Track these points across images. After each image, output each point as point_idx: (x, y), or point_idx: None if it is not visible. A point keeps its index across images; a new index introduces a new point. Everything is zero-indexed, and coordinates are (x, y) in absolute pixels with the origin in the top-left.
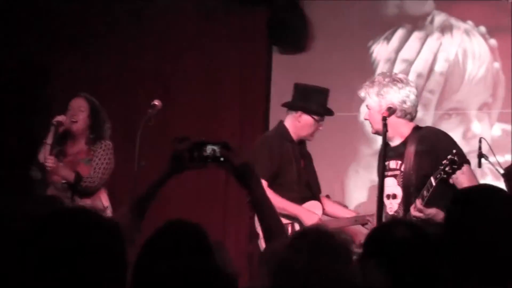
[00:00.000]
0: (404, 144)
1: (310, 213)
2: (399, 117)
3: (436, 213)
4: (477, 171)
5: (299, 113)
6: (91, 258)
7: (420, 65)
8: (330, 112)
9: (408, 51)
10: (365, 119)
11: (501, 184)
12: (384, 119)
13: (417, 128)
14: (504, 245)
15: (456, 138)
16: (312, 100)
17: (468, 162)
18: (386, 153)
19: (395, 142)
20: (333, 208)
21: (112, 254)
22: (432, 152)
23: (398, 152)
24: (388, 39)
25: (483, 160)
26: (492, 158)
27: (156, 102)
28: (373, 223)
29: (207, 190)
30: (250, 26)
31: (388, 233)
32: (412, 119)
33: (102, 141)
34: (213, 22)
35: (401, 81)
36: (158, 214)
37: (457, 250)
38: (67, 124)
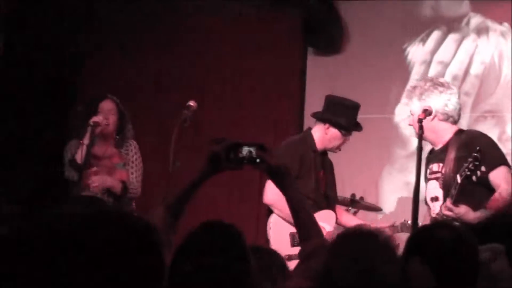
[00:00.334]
0: (446, 147)
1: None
2: (441, 120)
3: (465, 212)
4: None
5: (327, 125)
6: (131, 260)
7: (455, 67)
8: (358, 128)
9: (443, 53)
10: (409, 125)
11: None
12: (420, 121)
13: (459, 132)
14: None
15: None
16: (341, 114)
17: (506, 164)
18: (432, 156)
19: (438, 145)
20: (347, 219)
21: (149, 256)
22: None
23: (440, 155)
24: (424, 41)
25: None
26: None
27: (192, 103)
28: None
29: (241, 190)
30: (284, 28)
31: (429, 234)
32: (454, 122)
33: (128, 142)
34: (247, 24)
35: (442, 85)
36: (192, 214)
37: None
38: (103, 125)
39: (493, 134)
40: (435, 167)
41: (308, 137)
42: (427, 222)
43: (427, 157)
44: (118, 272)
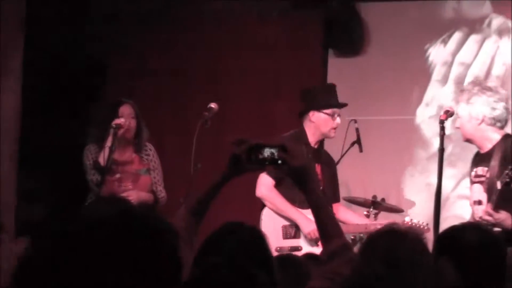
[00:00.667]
0: (492, 151)
1: (307, 220)
2: (489, 124)
3: (506, 218)
4: None
5: (310, 113)
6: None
7: (477, 69)
8: (337, 104)
9: (465, 54)
10: (457, 128)
11: None
12: (442, 122)
13: (506, 136)
14: None
15: None
16: (318, 98)
17: None
18: (478, 159)
19: (484, 149)
20: (345, 215)
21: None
22: None
23: (486, 159)
24: (445, 42)
25: None
26: None
27: (213, 105)
28: None
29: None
30: (305, 29)
31: (458, 235)
32: (502, 126)
33: (146, 146)
34: (268, 25)
35: (490, 89)
36: (213, 215)
37: None
38: (125, 126)
39: None
40: (479, 170)
41: (300, 133)
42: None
43: (472, 159)
44: (132, 273)
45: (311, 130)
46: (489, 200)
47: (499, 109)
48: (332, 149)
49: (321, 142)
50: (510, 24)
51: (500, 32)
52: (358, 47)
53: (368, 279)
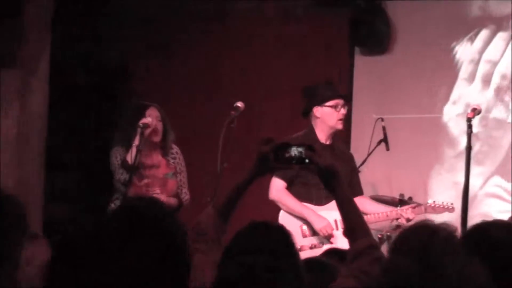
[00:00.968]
0: None
1: (319, 217)
2: None
3: None
4: None
5: (314, 109)
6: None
7: (504, 66)
8: (337, 95)
9: (492, 52)
10: None
11: None
12: (469, 120)
13: None
14: None
15: None
16: (317, 93)
17: None
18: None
19: None
20: (364, 206)
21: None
22: None
23: None
24: (472, 40)
25: None
26: None
27: (239, 104)
28: (405, 217)
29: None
30: (331, 28)
31: (486, 233)
32: None
33: (172, 148)
34: (294, 24)
35: None
36: (240, 215)
37: None
38: (152, 126)
39: None
40: None
41: (309, 132)
42: None
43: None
44: (140, 274)
45: (319, 126)
46: None
47: None
48: (359, 147)
49: (334, 139)
50: None
51: None
52: (384, 46)
53: (400, 277)
